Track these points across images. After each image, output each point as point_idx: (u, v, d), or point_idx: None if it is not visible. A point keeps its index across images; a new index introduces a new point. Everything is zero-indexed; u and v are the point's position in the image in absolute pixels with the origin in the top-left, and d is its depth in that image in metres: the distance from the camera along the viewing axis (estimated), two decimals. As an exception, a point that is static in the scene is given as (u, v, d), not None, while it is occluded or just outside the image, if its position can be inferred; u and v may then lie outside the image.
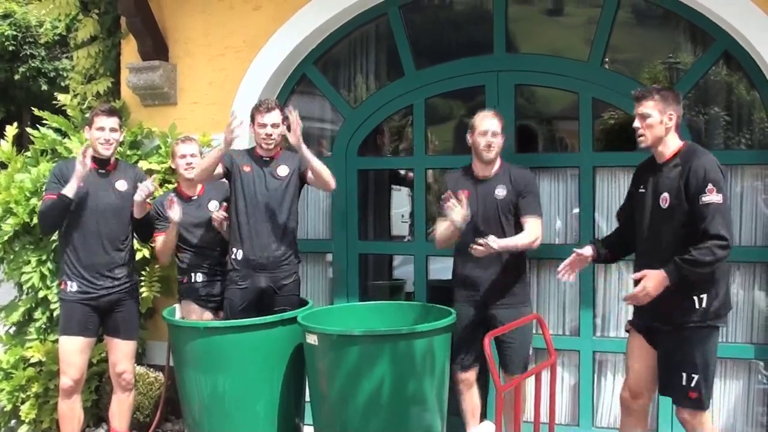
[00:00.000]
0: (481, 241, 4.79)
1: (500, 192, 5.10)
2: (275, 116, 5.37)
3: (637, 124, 4.40)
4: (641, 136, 4.39)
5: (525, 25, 6.13)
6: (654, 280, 4.21)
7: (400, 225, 7.65)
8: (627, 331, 4.69)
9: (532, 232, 5.03)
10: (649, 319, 4.45)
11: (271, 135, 5.36)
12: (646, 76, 5.84)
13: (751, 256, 5.36)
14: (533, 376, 4.79)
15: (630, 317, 4.71)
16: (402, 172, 7.19)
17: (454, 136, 7.26)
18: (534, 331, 5.29)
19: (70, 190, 5.11)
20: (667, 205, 4.29)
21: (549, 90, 6.13)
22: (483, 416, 5.40)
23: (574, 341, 5.73)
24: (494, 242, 4.79)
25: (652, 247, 4.33)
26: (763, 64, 5.12)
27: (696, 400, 4.29)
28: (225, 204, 5.57)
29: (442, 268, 6.06)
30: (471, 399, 5.29)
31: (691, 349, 4.26)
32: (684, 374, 4.27)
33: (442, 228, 5.13)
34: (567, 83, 5.71)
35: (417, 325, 4.91)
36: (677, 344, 4.30)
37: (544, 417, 4.93)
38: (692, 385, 4.26)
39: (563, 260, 5.67)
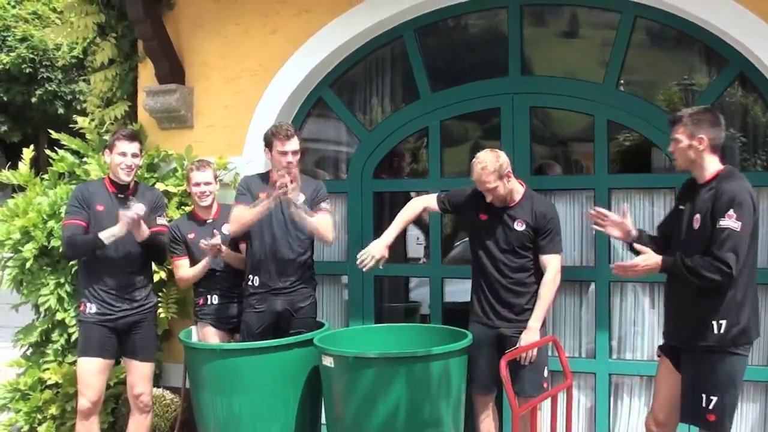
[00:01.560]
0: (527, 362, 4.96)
1: (519, 225, 5.06)
2: (295, 143, 5.30)
3: (671, 148, 4.43)
4: (675, 159, 4.43)
5: (540, 47, 6.15)
6: (648, 262, 4.27)
7: (415, 247, 7.64)
8: (658, 356, 4.67)
9: (552, 277, 5.03)
10: (671, 339, 4.47)
11: (292, 163, 5.29)
12: (661, 98, 5.86)
13: (766, 278, 5.33)
14: (549, 399, 4.78)
15: (660, 342, 4.73)
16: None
17: (469, 158, 7.25)
18: (550, 354, 5.28)
19: (107, 237, 5.08)
20: (698, 225, 4.28)
21: (564, 112, 6.13)
22: (500, 438, 5.40)
23: (590, 363, 5.71)
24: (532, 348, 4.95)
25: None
26: (779, 86, 5.14)
27: (714, 423, 4.24)
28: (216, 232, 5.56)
29: (457, 291, 6.06)
30: (488, 421, 5.27)
31: (710, 372, 4.24)
32: (703, 395, 4.24)
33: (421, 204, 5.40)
34: (582, 105, 5.72)
35: (433, 348, 4.90)
36: (697, 366, 4.28)
37: (560, 440, 4.92)
38: (710, 407, 4.21)
39: (578, 282, 5.70)
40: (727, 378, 4.24)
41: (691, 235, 4.31)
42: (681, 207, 4.49)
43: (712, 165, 4.35)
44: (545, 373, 5.15)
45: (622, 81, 5.72)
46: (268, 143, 5.35)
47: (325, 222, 5.36)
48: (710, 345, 4.22)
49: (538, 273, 5.09)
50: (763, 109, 5.50)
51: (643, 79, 5.97)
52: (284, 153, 5.27)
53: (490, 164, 4.94)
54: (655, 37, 5.85)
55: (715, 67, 5.56)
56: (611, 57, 5.62)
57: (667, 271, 4.27)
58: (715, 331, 4.20)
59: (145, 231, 5.23)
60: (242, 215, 5.24)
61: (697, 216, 4.30)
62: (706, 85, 5.56)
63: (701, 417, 4.27)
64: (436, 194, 5.41)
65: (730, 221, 4.10)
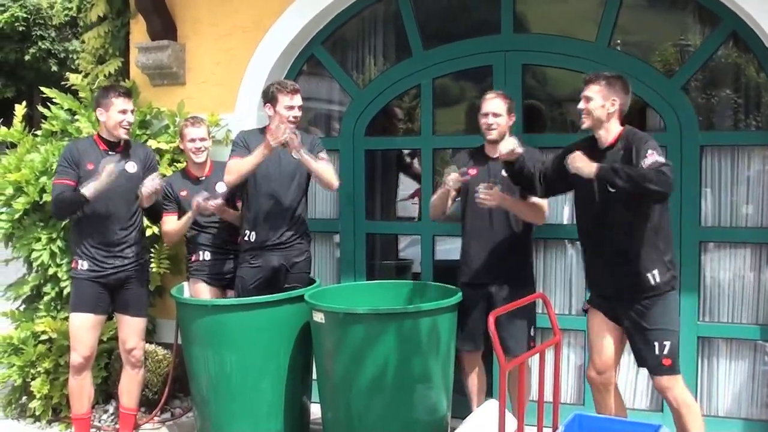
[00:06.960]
0: (484, 187, 4.93)
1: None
2: (300, 98, 5.37)
3: (581, 105, 4.58)
4: (584, 116, 4.58)
5: (533, 4, 6.10)
6: (585, 162, 4.41)
7: (407, 205, 7.65)
8: (585, 310, 4.88)
9: (539, 205, 5.15)
10: (609, 299, 4.65)
11: (298, 117, 5.35)
12: (657, 59, 5.81)
13: (757, 237, 5.37)
14: (537, 356, 4.81)
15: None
16: (408, 160, 7.19)
17: (462, 117, 7.23)
18: (540, 311, 5.31)
19: (89, 191, 5.09)
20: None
21: (558, 71, 6.10)
22: (488, 395, 5.43)
23: (580, 321, 5.71)
24: (496, 192, 4.93)
25: (603, 228, 4.54)
26: (772, 45, 5.12)
27: (671, 367, 4.49)
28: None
29: (449, 249, 6.08)
30: (476, 378, 5.33)
31: (657, 319, 4.47)
32: (656, 344, 4.47)
33: (435, 195, 5.31)
34: (574, 63, 5.69)
35: (422, 304, 4.93)
36: (642, 317, 4.51)
37: (548, 396, 4.95)
38: (665, 352, 4.46)
39: (569, 240, 5.72)
40: (671, 320, 4.51)
41: (609, 199, 4.44)
42: None
43: (616, 128, 4.57)
44: (531, 332, 5.22)
45: (614, 40, 5.68)
46: (272, 98, 5.34)
47: (329, 168, 5.43)
48: (652, 295, 4.47)
49: (531, 228, 5.23)
50: (756, 69, 5.48)
51: (635, 38, 5.92)
52: (291, 107, 5.31)
53: (505, 96, 5.23)
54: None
55: (709, 26, 5.52)
56: (604, 15, 5.58)
57: (600, 176, 4.32)
58: (652, 282, 4.46)
59: (153, 199, 5.33)
60: (239, 164, 5.27)
61: None
62: (698, 44, 5.53)
63: (658, 363, 4.50)
64: None
65: (654, 156, 4.25)
